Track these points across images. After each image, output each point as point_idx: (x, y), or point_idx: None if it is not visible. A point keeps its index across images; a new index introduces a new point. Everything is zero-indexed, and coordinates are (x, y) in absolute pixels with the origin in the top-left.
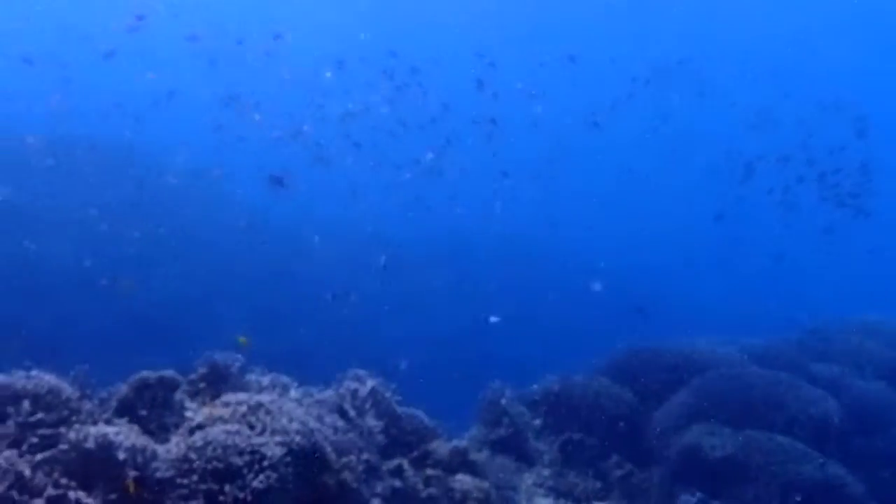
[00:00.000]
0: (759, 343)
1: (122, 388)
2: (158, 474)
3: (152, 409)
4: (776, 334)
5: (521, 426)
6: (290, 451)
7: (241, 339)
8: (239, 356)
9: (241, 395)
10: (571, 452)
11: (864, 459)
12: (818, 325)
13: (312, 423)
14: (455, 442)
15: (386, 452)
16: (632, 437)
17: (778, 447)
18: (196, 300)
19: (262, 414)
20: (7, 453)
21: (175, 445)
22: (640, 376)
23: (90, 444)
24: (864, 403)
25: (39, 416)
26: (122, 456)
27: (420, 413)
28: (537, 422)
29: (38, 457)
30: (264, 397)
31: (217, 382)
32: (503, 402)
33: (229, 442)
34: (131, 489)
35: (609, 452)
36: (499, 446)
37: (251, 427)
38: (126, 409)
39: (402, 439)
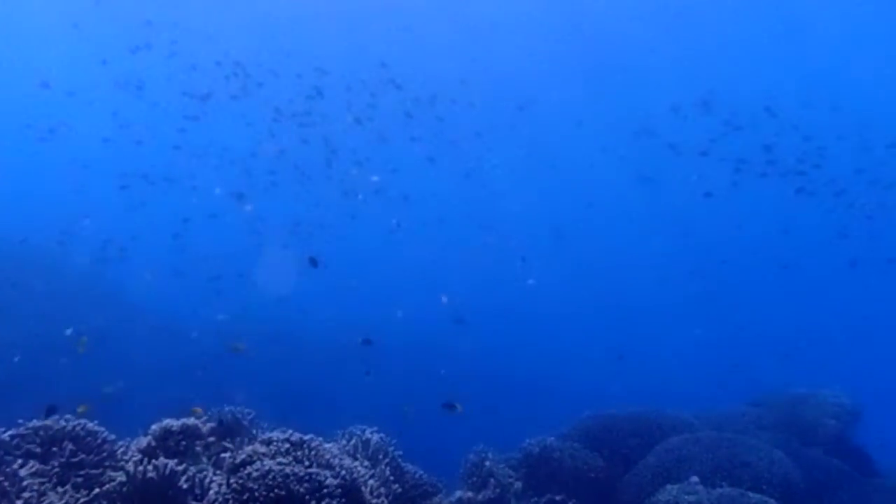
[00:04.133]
0: (708, 412)
1: (143, 440)
2: None
3: (175, 456)
4: (720, 404)
5: (506, 487)
6: (342, 485)
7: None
8: (250, 410)
9: (280, 434)
10: None
11: None
12: (758, 396)
13: (349, 462)
14: (459, 493)
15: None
16: (605, 500)
17: (749, 503)
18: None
19: (306, 450)
20: (61, 489)
21: (225, 478)
22: (607, 441)
23: (152, 474)
24: (808, 469)
25: (81, 456)
26: (184, 484)
27: (419, 468)
28: (518, 484)
29: (95, 490)
30: (305, 436)
31: (226, 436)
32: (488, 463)
33: (288, 471)
34: None
35: None
36: None
37: (298, 461)
38: (149, 457)
39: (406, 493)
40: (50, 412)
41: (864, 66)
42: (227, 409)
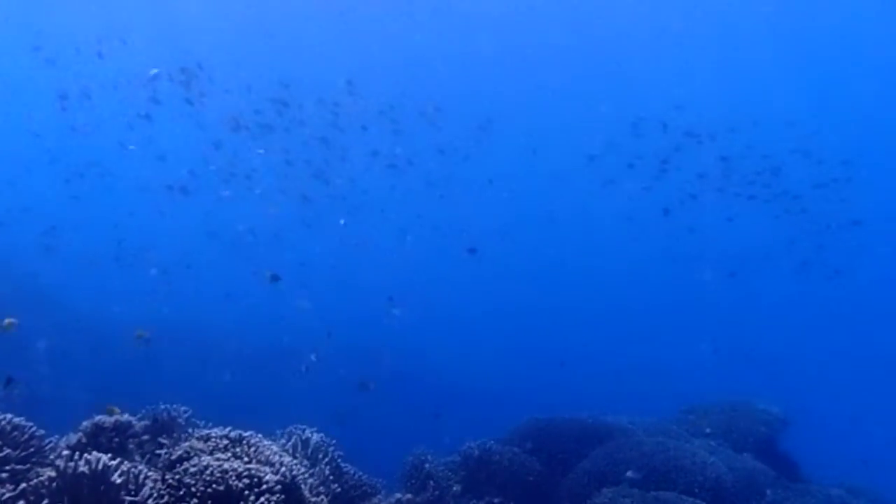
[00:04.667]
0: (644, 419)
1: (73, 436)
2: (152, 501)
3: (107, 453)
4: (656, 411)
5: (445, 490)
6: (281, 481)
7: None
8: (186, 408)
9: (219, 431)
10: None
11: None
12: (692, 404)
13: (288, 459)
14: (398, 495)
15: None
16: (544, 502)
17: None
18: None
19: (245, 446)
20: None
21: (161, 474)
22: (545, 446)
23: (84, 469)
24: (738, 473)
25: (7, 451)
26: (118, 479)
27: (358, 469)
28: (457, 487)
29: (22, 486)
30: (244, 432)
31: (161, 434)
32: (427, 465)
33: (226, 467)
34: None
35: None
36: None
37: (237, 458)
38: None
39: (346, 493)
40: (7, 383)
41: (819, 85)
42: (161, 406)
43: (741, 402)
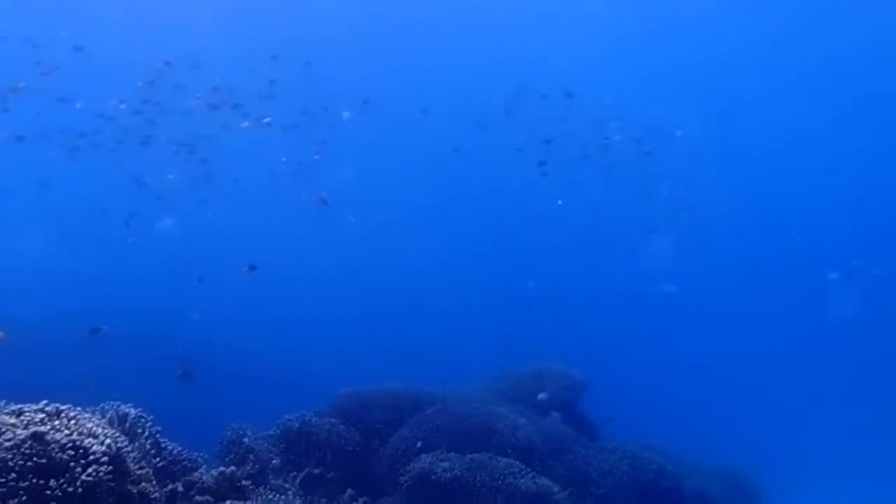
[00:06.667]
0: (457, 388)
1: None
2: None
3: None
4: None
5: (265, 463)
6: (107, 452)
7: None
8: None
9: (32, 405)
10: (312, 487)
11: (556, 477)
12: (501, 372)
13: (112, 431)
14: (221, 468)
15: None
16: (362, 472)
17: (498, 465)
18: None
19: (65, 419)
20: None
21: None
22: (363, 416)
23: None
24: (545, 434)
25: None
26: None
27: (177, 445)
28: (276, 461)
29: None
30: (62, 406)
31: None
32: (246, 440)
33: (48, 438)
34: None
35: (344, 486)
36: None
37: (57, 431)
38: None
39: (167, 467)
40: None
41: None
42: None
43: (544, 370)
